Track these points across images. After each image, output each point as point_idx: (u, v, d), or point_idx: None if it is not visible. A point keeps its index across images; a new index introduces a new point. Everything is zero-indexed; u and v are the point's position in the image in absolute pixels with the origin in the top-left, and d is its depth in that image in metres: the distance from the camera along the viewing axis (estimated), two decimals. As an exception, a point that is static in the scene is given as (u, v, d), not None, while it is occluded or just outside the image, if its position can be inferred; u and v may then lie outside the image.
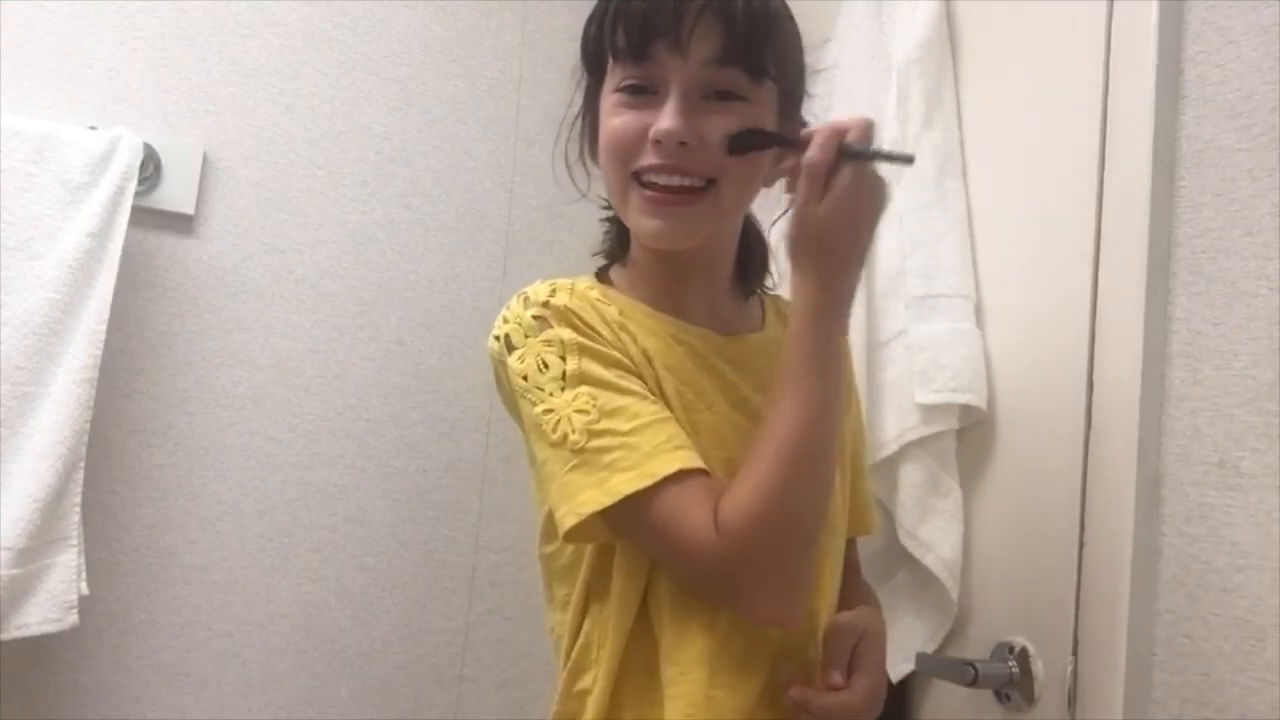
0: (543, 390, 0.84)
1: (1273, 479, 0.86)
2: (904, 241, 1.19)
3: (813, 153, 0.81)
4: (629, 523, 0.82)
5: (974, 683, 1.06)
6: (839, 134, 0.81)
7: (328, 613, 1.50)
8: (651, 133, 0.85)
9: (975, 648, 1.12)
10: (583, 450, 0.81)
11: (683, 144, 0.84)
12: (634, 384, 0.85)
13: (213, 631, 1.45)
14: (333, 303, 1.54)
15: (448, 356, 1.59)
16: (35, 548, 1.26)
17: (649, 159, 0.86)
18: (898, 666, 1.16)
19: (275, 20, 1.54)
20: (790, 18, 0.92)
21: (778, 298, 1.04)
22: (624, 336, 0.88)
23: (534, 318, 0.87)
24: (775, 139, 0.88)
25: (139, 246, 1.43)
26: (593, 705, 0.86)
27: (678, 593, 0.86)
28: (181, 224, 1.47)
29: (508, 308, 0.90)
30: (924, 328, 1.16)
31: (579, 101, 0.96)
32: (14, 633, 1.25)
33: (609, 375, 0.84)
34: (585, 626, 0.89)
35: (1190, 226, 0.96)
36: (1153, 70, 0.98)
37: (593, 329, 0.87)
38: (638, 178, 0.87)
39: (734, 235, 0.96)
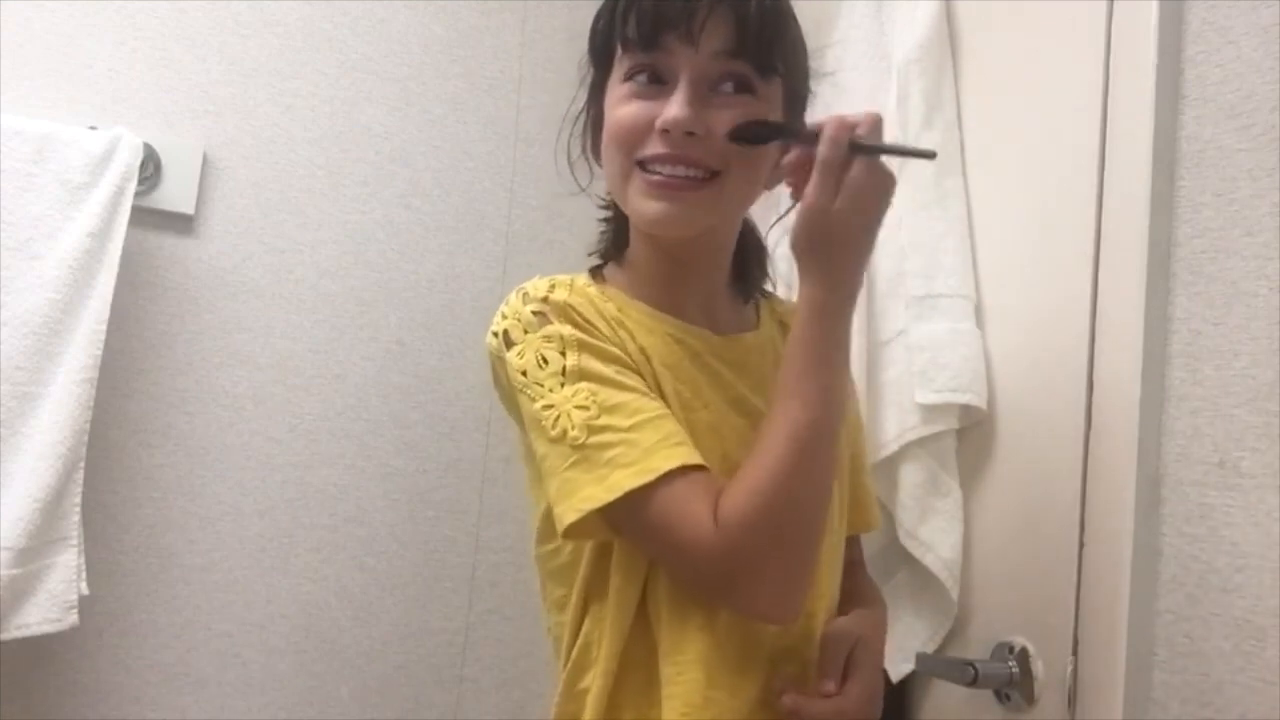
0: (542, 386, 0.84)
1: (1273, 479, 0.86)
2: (904, 242, 1.19)
3: (825, 148, 0.80)
4: (629, 519, 0.82)
5: (974, 683, 1.06)
6: (848, 128, 0.80)
7: (328, 613, 1.50)
8: (659, 121, 0.85)
9: (975, 648, 1.12)
10: (583, 446, 0.81)
11: (689, 134, 0.84)
12: (633, 380, 0.85)
13: (213, 631, 1.45)
14: (333, 303, 1.54)
15: (448, 356, 1.59)
16: (35, 548, 1.26)
17: (654, 148, 0.86)
18: (898, 666, 1.16)
19: (275, 20, 1.54)
20: (796, 21, 0.92)
21: (772, 298, 1.04)
22: (622, 333, 0.88)
23: (533, 313, 0.87)
24: (780, 131, 0.88)
25: (139, 246, 1.42)
26: (592, 704, 0.86)
27: (676, 592, 0.86)
28: (181, 224, 1.47)
29: (506, 303, 0.90)
30: (924, 328, 1.17)
31: (582, 98, 0.96)
32: (14, 633, 1.25)
33: (609, 371, 0.84)
34: (585, 626, 0.89)
35: (1190, 226, 0.96)
36: (1153, 70, 0.98)
37: (592, 325, 0.87)
38: (641, 166, 0.87)
39: (732, 236, 0.96)
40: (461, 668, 1.56)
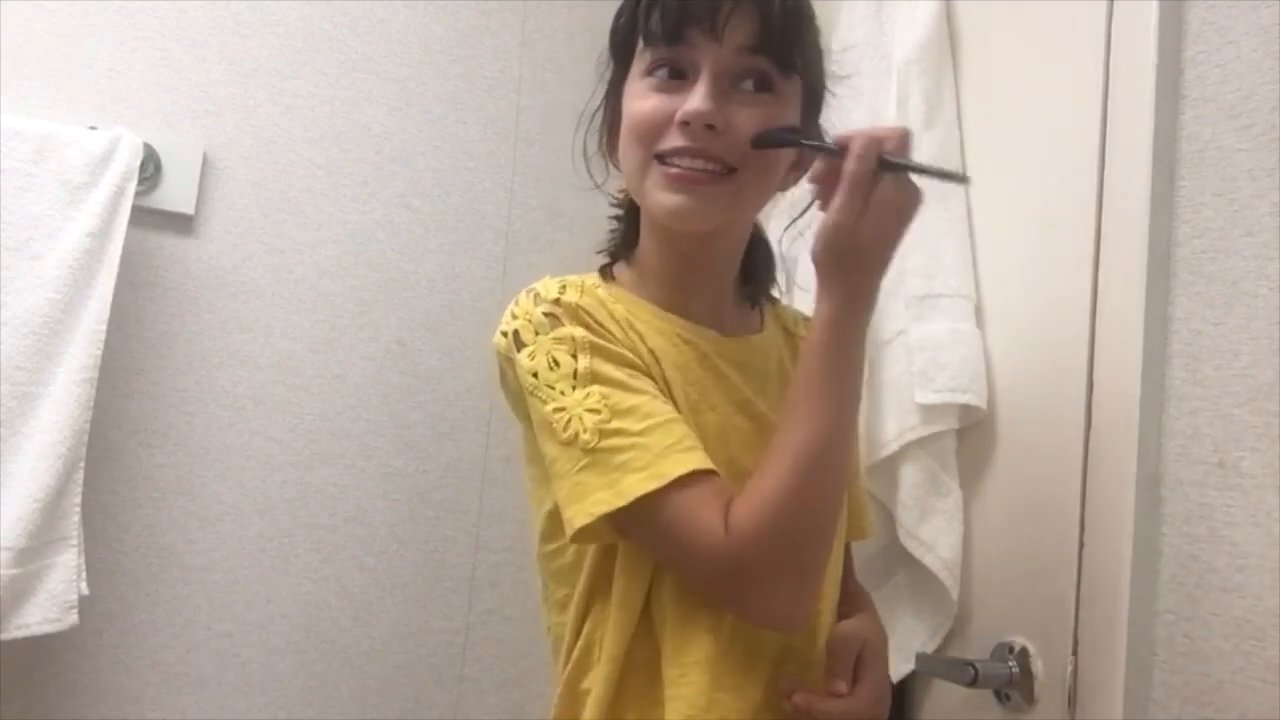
0: (554, 389, 0.84)
1: (1273, 479, 0.86)
2: (904, 241, 1.19)
3: (852, 164, 0.79)
4: (638, 524, 0.82)
5: (974, 683, 1.06)
6: (877, 143, 0.79)
7: (328, 613, 1.50)
8: (680, 114, 0.85)
9: (975, 648, 1.12)
10: (594, 450, 0.81)
11: (709, 127, 0.84)
12: (645, 384, 0.85)
13: (213, 631, 1.45)
14: (333, 303, 1.54)
15: (448, 356, 1.59)
16: (35, 548, 1.26)
17: (673, 141, 0.86)
18: (898, 666, 1.16)
19: (275, 20, 1.54)
20: (816, 23, 0.92)
21: (777, 303, 1.04)
22: (633, 335, 0.88)
23: (545, 315, 0.86)
24: (806, 141, 0.87)
25: (139, 246, 1.42)
26: (593, 705, 0.86)
27: (680, 595, 0.85)
28: (181, 224, 1.47)
29: (516, 303, 0.89)
30: (924, 327, 1.16)
31: (599, 95, 0.97)
32: (14, 633, 1.25)
33: (620, 375, 0.84)
34: (587, 627, 0.88)
35: (1190, 226, 0.96)
36: (1153, 70, 0.98)
37: (604, 327, 0.87)
38: (660, 159, 0.87)
39: (743, 238, 0.96)
40: (461, 668, 1.56)
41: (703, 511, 0.79)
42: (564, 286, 0.89)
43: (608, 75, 0.96)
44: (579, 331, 0.85)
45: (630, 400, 0.82)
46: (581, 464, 0.81)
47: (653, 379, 0.86)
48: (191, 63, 1.49)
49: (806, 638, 0.89)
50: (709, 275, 0.95)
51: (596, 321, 0.87)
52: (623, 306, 0.90)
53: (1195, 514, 0.92)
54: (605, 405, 0.82)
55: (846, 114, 1.11)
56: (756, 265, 1.00)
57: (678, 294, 0.93)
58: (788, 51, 0.87)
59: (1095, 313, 1.03)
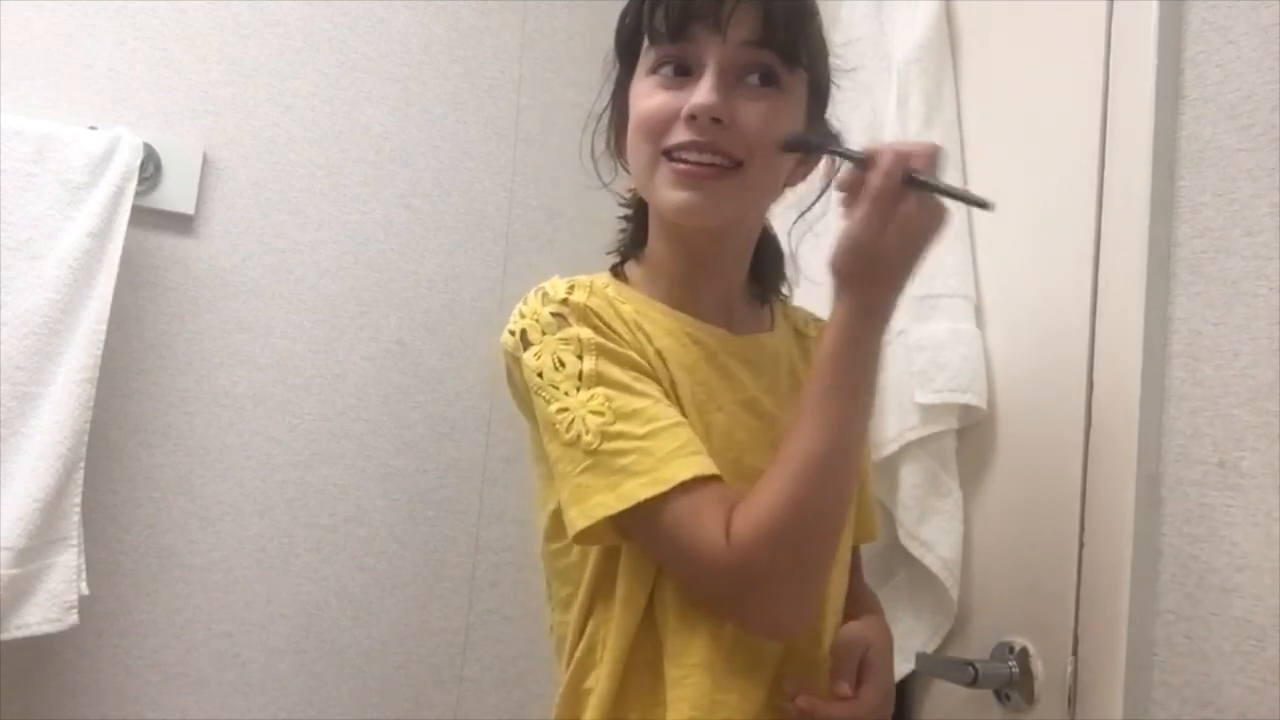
0: (558, 389, 0.84)
1: (1273, 479, 0.86)
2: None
3: (878, 179, 0.78)
4: (639, 528, 0.82)
5: (974, 683, 1.06)
6: (904, 159, 0.78)
7: (328, 613, 1.50)
8: (686, 108, 0.85)
9: (975, 648, 1.12)
10: (596, 452, 0.81)
11: (716, 120, 0.85)
12: (650, 387, 0.84)
13: (213, 631, 1.45)
14: (333, 303, 1.54)
15: (448, 356, 1.59)
16: (35, 548, 1.26)
17: (680, 136, 0.86)
18: (898, 666, 1.16)
19: (275, 20, 1.54)
20: (820, 18, 0.93)
21: (786, 303, 1.04)
22: (640, 336, 0.88)
23: (552, 314, 0.86)
24: (837, 150, 0.86)
25: (139, 246, 1.42)
26: (596, 705, 0.86)
27: (683, 595, 0.85)
28: (181, 224, 1.47)
29: (524, 303, 0.89)
30: (924, 328, 1.16)
31: (606, 94, 0.97)
32: (14, 633, 1.25)
33: (625, 377, 0.84)
34: (590, 627, 0.88)
35: (1190, 226, 0.96)
36: (1153, 70, 0.98)
37: (611, 329, 0.87)
38: (668, 155, 0.87)
39: (752, 235, 0.96)
40: (461, 668, 1.56)
41: (703, 519, 0.79)
42: (572, 287, 0.89)
43: (614, 75, 0.96)
44: (585, 332, 0.85)
45: (635, 403, 0.82)
46: (583, 465, 0.81)
47: (658, 381, 0.86)
48: (191, 63, 1.49)
49: (811, 640, 0.89)
50: (718, 273, 0.95)
51: (604, 322, 0.87)
52: (631, 306, 0.90)
53: (1195, 514, 0.92)
54: (609, 408, 0.82)
55: (851, 108, 1.11)
56: (766, 263, 1.00)
57: (687, 292, 0.93)
58: (792, 45, 0.87)
59: (1095, 313, 1.03)
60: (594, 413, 0.82)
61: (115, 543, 1.41)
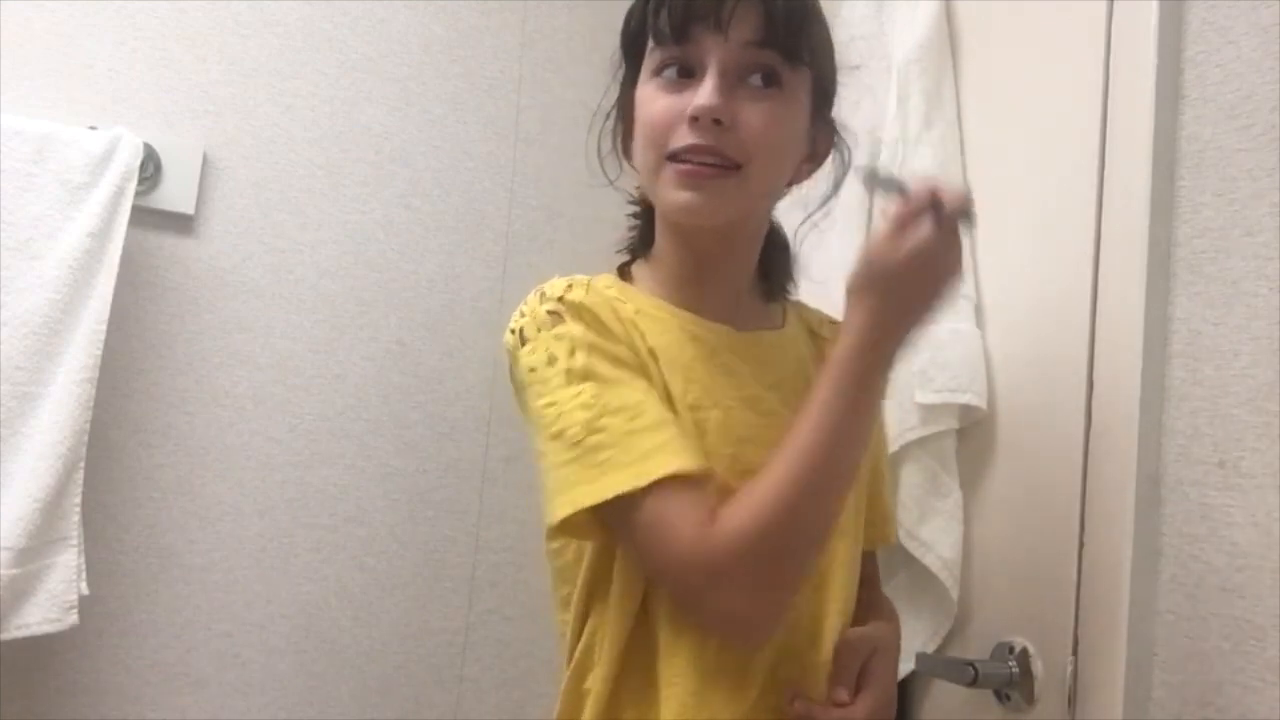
0: (547, 383, 0.84)
1: (1273, 479, 0.86)
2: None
3: (909, 205, 0.81)
4: (619, 521, 0.82)
5: (974, 683, 1.06)
6: (935, 194, 0.81)
7: (328, 613, 1.50)
8: (689, 110, 0.86)
9: (975, 648, 1.12)
10: (580, 445, 0.81)
11: (718, 122, 0.85)
12: (640, 384, 0.85)
13: (213, 631, 1.45)
14: (333, 303, 1.54)
15: (448, 356, 1.59)
16: (35, 548, 1.26)
17: (684, 139, 0.87)
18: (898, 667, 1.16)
19: (275, 20, 1.54)
20: (823, 16, 0.93)
21: (800, 303, 1.04)
22: (634, 334, 0.89)
23: (548, 312, 0.87)
24: (903, 188, 0.86)
25: (139, 246, 1.42)
26: (594, 705, 0.86)
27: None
28: (181, 224, 1.47)
29: (525, 302, 0.90)
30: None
31: (612, 95, 0.98)
32: (14, 633, 1.25)
33: (615, 373, 0.84)
34: (588, 627, 0.89)
35: (1190, 226, 0.96)
36: (1153, 70, 0.98)
37: (605, 326, 0.87)
38: (672, 159, 0.88)
39: (758, 233, 0.97)
40: (461, 668, 1.56)
41: (679, 515, 0.79)
42: (570, 285, 0.89)
43: (620, 76, 0.97)
44: (578, 329, 0.86)
45: (622, 399, 0.83)
46: (568, 458, 0.82)
47: (650, 379, 0.87)
48: (191, 63, 1.49)
49: (808, 640, 0.89)
50: (724, 271, 0.95)
51: (599, 320, 0.87)
52: (633, 305, 0.91)
53: (1195, 514, 0.92)
54: (597, 402, 0.82)
55: (854, 106, 1.11)
56: (773, 260, 1.00)
57: (693, 290, 0.94)
58: (794, 43, 0.87)
59: (1095, 313, 1.03)
60: (581, 407, 0.82)
61: (115, 543, 1.41)
